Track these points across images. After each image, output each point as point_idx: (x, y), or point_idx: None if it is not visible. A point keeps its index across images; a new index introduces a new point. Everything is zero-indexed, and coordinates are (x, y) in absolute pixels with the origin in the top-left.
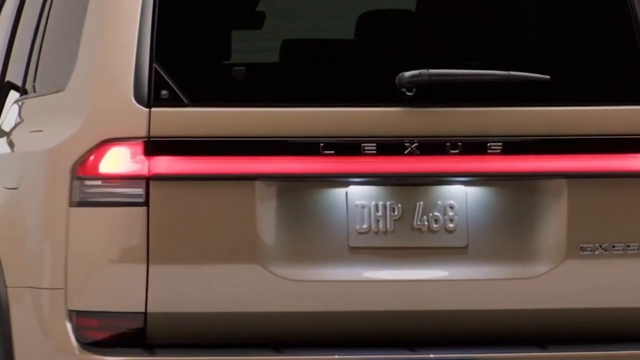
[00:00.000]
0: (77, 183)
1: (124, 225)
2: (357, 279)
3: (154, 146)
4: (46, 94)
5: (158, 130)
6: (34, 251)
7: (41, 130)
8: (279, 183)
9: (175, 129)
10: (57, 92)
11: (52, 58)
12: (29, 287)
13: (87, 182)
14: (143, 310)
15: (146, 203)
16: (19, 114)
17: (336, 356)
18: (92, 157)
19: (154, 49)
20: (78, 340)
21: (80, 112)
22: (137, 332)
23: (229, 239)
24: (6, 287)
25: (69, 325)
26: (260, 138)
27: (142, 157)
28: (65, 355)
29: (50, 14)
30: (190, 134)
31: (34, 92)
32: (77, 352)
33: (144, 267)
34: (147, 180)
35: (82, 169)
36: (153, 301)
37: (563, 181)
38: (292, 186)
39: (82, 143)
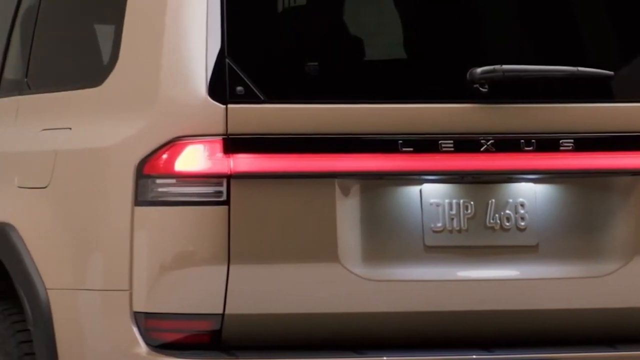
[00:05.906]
0: (145, 182)
1: (203, 225)
2: (434, 279)
3: (232, 144)
4: (58, 91)
5: (235, 128)
6: (83, 252)
7: (69, 128)
8: (358, 181)
9: (253, 126)
10: (84, 88)
11: (57, 55)
12: (77, 289)
13: (159, 181)
14: (221, 311)
15: (227, 202)
16: (10, 112)
17: (414, 357)
18: (165, 155)
19: (226, 43)
20: (147, 343)
21: (139, 109)
22: (212, 334)
23: (309, 238)
24: (46, 289)
25: (134, 328)
26: (340, 135)
27: (221, 155)
28: (132, 358)
29: (40, 11)
30: (267, 131)
31: (29, 89)
32: (145, 354)
33: (224, 267)
34: (228, 178)
35: (152, 167)
36: (232, 302)
37: (631, 178)
38: (370, 184)
39: (149, 141)
